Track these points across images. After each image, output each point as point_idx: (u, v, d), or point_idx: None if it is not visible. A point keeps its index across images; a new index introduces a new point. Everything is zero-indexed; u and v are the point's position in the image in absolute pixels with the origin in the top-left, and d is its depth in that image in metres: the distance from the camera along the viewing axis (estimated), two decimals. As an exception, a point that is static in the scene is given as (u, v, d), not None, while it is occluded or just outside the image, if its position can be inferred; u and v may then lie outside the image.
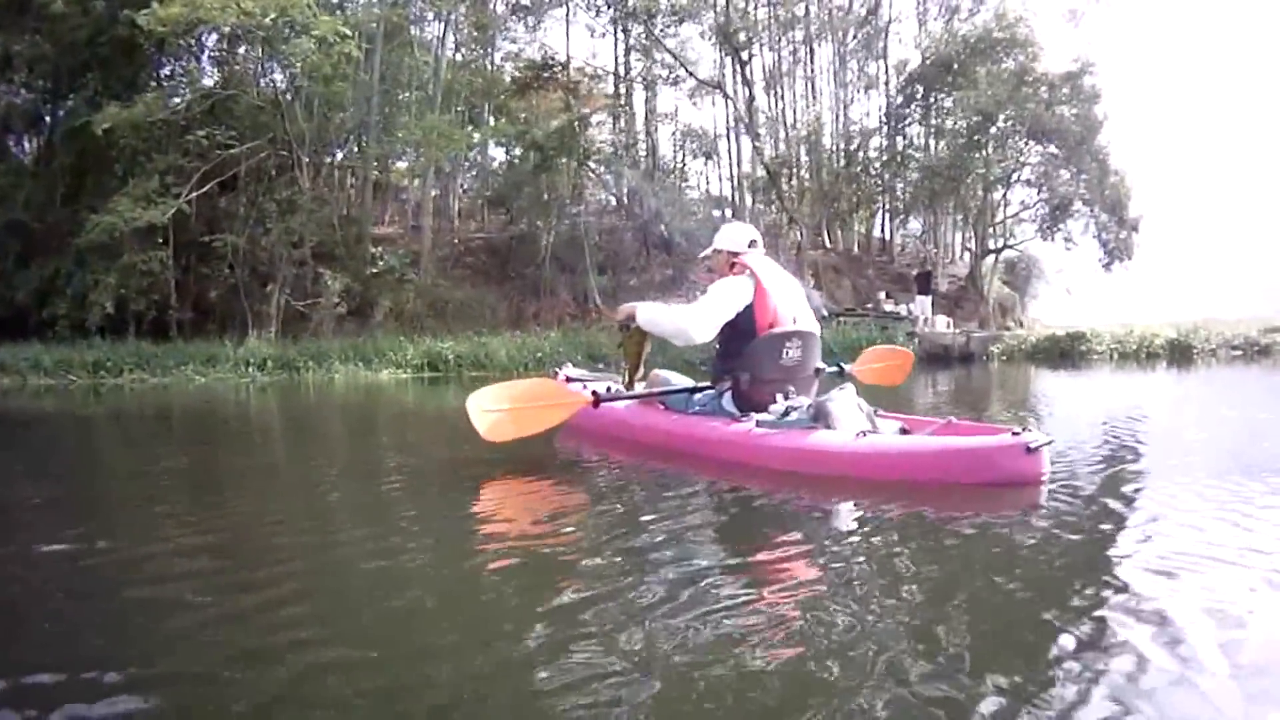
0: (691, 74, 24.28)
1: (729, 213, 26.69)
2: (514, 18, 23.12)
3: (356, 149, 18.75)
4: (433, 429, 6.11)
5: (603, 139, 23.72)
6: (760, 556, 2.13)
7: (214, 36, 16.92)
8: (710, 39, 24.88)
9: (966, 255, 27.05)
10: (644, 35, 23.79)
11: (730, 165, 27.03)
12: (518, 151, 21.69)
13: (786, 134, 26.50)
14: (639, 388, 4.18)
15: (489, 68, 22.59)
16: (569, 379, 4.96)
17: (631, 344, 4.08)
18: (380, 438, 5.73)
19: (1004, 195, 24.81)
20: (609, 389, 4.04)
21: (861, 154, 25.68)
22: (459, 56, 21.61)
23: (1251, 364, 13.64)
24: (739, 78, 23.58)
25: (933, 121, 24.27)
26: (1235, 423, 5.30)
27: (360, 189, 18.82)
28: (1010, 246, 25.61)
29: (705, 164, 27.68)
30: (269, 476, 3.96)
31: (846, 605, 1.66)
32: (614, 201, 23.71)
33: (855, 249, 27.15)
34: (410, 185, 21.90)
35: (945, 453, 2.90)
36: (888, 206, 26.40)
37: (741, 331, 3.64)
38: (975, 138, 21.82)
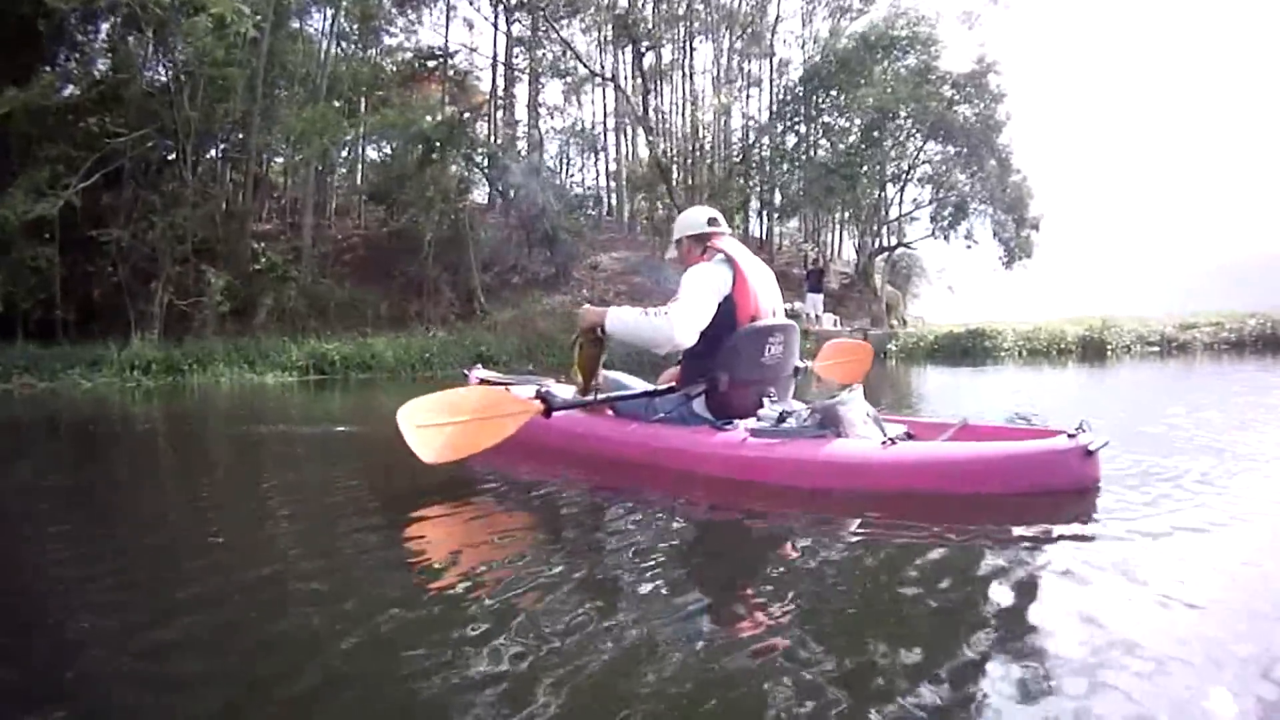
0: (587, 66, 24.84)
1: (612, 205, 27.75)
2: (397, 9, 23.47)
3: (240, 138, 19.03)
4: (336, 443, 5.64)
5: (486, 133, 24.14)
6: (798, 592, 1.91)
7: (106, 25, 17.18)
8: (595, 34, 25.75)
9: (851, 253, 27.98)
10: (532, 26, 24.32)
11: (608, 161, 28.26)
12: (390, 148, 22.01)
13: (677, 129, 27.49)
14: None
15: (372, 60, 23.03)
16: (483, 381, 4.65)
17: (588, 352, 3.66)
18: (280, 451, 5.33)
19: (899, 193, 25.39)
20: (540, 392, 3.58)
21: (757, 150, 26.41)
22: (340, 50, 22.00)
23: (1168, 360, 13.96)
24: (633, 71, 24.35)
25: (824, 119, 25.08)
26: (1177, 417, 4.94)
27: (242, 183, 19.14)
28: (904, 245, 26.46)
29: (588, 160, 28.59)
30: (163, 496, 3.75)
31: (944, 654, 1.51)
32: (497, 197, 24.33)
33: None
34: (288, 181, 22.10)
35: (997, 460, 2.72)
36: (776, 203, 27.18)
37: (719, 325, 3.32)
38: (873, 134, 22.79)
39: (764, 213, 28.14)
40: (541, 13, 23.34)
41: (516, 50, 25.06)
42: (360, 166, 23.98)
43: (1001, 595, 1.81)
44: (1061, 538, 2.24)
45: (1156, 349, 16.21)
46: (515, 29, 24.70)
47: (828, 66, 23.80)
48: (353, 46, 22.49)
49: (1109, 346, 16.37)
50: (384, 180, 21.71)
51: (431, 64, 24.15)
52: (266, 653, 1.63)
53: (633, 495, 3.10)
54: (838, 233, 29.40)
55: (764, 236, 28.39)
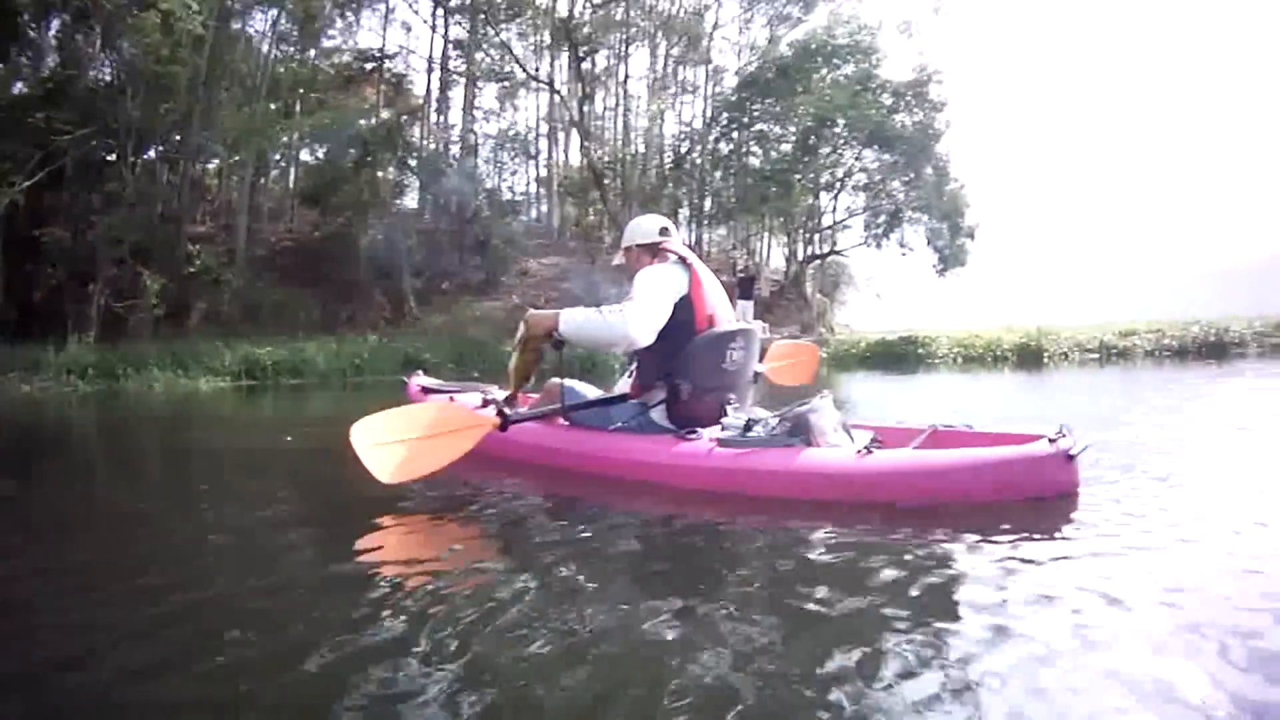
0: (525, 70, 24.91)
1: (542, 211, 28.19)
2: (337, 11, 23.61)
3: (178, 139, 19.25)
4: (277, 454, 5.42)
5: (420, 137, 24.47)
6: (780, 604, 1.91)
7: (58, 21, 17.57)
8: (532, 37, 26.06)
9: (781, 260, 28.37)
10: (470, 28, 24.37)
11: (538, 167, 28.48)
12: (323, 151, 22.18)
13: (612, 135, 27.87)
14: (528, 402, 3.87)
15: (310, 61, 23.18)
16: (425, 389, 4.68)
17: (528, 354, 3.64)
18: (220, 463, 5.17)
19: (833, 201, 25.65)
20: (485, 402, 3.64)
21: (693, 157, 26.84)
22: (279, 51, 22.18)
23: (1107, 366, 14.19)
24: (569, 76, 24.57)
25: (760, 127, 25.25)
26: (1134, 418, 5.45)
27: (179, 184, 19.38)
28: (836, 253, 26.84)
29: (519, 166, 28.71)
30: (93, 510, 3.59)
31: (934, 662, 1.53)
32: (429, 201, 24.49)
33: None
34: (221, 183, 22.26)
35: (978, 466, 2.71)
36: (708, 210, 27.59)
37: (677, 330, 3.25)
38: (810, 142, 23.09)
39: (693, 220, 28.61)
40: (483, 15, 23.47)
41: (454, 53, 25.31)
42: (293, 170, 24.04)
43: (988, 601, 1.84)
44: (1046, 541, 2.31)
45: (1095, 356, 16.34)
46: (453, 31, 24.93)
47: (766, 73, 24.09)
48: (292, 48, 22.66)
49: (1045, 353, 16.50)
50: (318, 183, 21.83)
51: (369, 66, 24.37)
52: (204, 684, 1.56)
53: (594, 508, 3.08)
54: (767, 240, 29.84)
55: (693, 243, 28.44)
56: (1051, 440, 2.74)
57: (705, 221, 28.23)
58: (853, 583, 2.01)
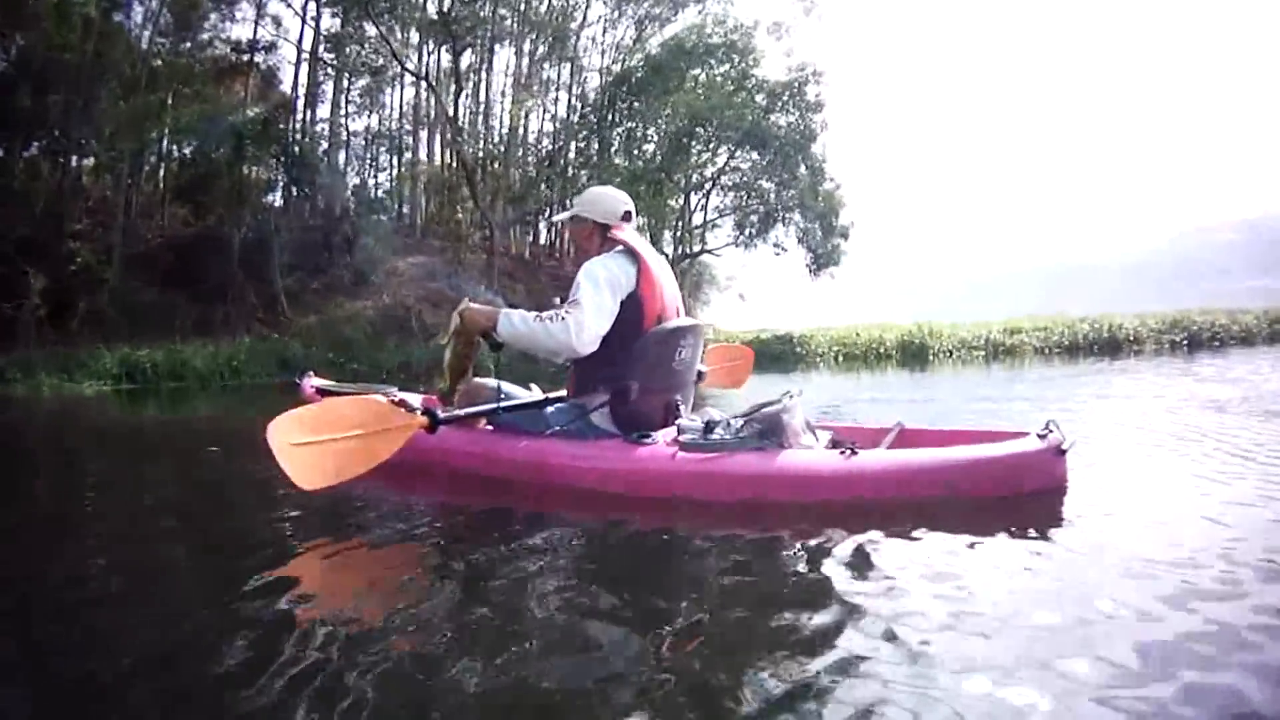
0: (401, 63, 24.84)
1: (403, 211, 28.37)
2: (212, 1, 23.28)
3: (58, 133, 19.33)
4: (179, 462, 5.48)
5: (288, 130, 24.18)
6: (767, 618, 1.82)
7: None
8: (401, 32, 25.47)
9: None
10: (343, 20, 24.01)
11: (400, 165, 28.60)
12: (192, 147, 22.27)
13: (482, 132, 28.06)
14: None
15: (186, 53, 23.00)
16: (321, 391, 4.44)
17: (461, 353, 3.48)
18: (127, 470, 5.16)
19: (704, 200, 26.05)
20: (394, 403, 3.22)
21: (566, 154, 27.25)
22: (156, 44, 22.14)
23: (993, 364, 14.50)
24: (449, 70, 24.65)
25: (630, 125, 25.75)
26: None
27: (60, 179, 19.41)
28: (708, 252, 27.25)
29: (385, 162, 28.80)
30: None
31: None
32: (296, 198, 24.53)
33: (526, 254, 29.20)
34: (96, 179, 22.16)
35: (970, 463, 2.72)
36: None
37: (623, 326, 3.12)
38: (682, 140, 23.51)
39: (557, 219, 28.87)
40: (362, 8, 22.79)
41: (324, 45, 25.13)
42: (164, 166, 23.88)
43: (984, 598, 1.83)
44: (1041, 536, 2.34)
45: (982, 353, 16.74)
46: (325, 22, 24.74)
47: (637, 71, 24.64)
48: (168, 40, 22.58)
49: (930, 351, 16.89)
50: (190, 179, 22.08)
51: (244, 58, 24.22)
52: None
53: (540, 519, 2.85)
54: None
55: (553, 241, 29.90)
56: (1040, 436, 2.79)
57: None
58: (847, 587, 1.97)
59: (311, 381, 4.76)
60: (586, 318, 3.03)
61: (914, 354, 17.05)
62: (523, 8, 26.65)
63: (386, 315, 21.49)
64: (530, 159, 28.30)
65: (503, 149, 27.59)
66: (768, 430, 2.96)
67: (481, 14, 24.78)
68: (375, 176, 28.59)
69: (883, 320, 20.11)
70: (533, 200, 26.99)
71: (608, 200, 3.43)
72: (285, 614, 1.97)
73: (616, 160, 25.37)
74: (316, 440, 2.76)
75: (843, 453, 2.83)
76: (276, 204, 24.26)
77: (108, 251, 19.16)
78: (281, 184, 24.28)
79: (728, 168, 25.00)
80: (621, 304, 3.14)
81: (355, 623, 1.91)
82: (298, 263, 21.51)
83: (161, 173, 23.97)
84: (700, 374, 3.70)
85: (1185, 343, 17.69)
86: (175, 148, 23.31)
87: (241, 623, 1.90)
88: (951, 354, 16.97)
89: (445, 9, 22.87)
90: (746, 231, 25.02)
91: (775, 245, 24.78)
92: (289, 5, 24.33)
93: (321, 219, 23.13)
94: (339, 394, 4.15)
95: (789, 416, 3.00)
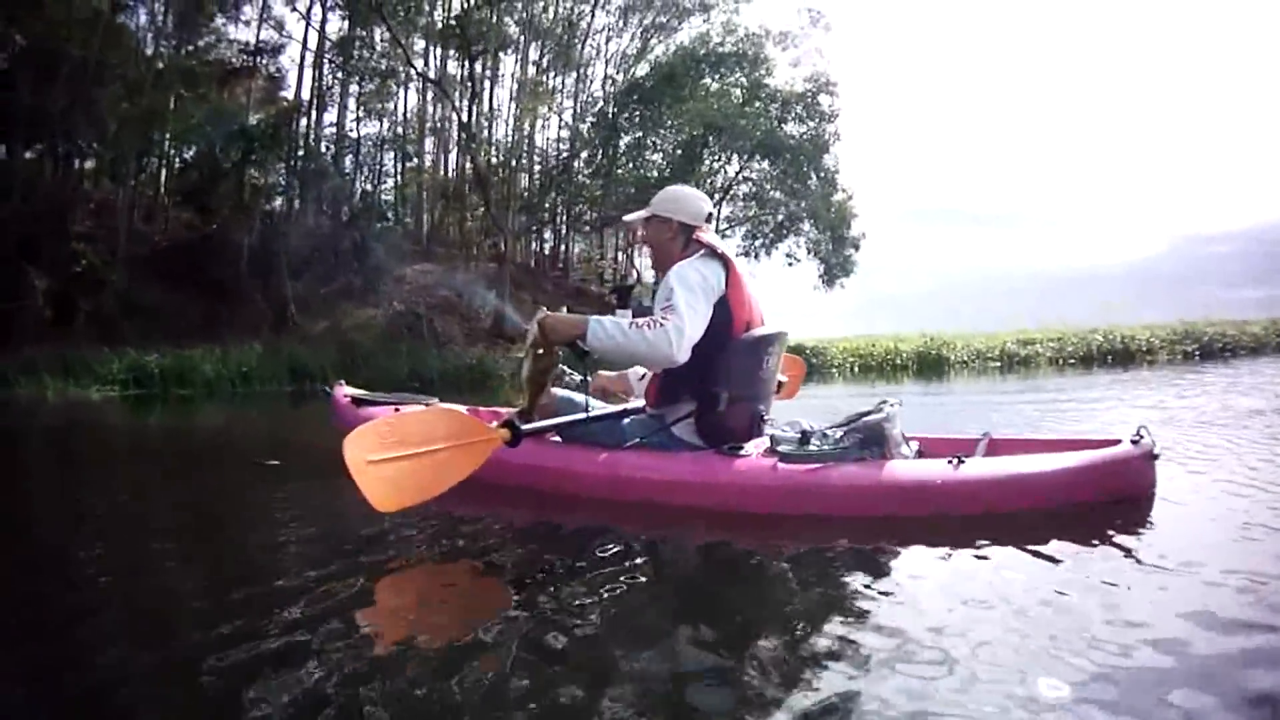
0: (415, 68, 24.73)
1: (407, 219, 28.21)
2: (217, 4, 23.08)
3: (64, 131, 19.19)
4: (215, 471, 5.22)
5: (296, 134, 24.00)
6: (895, 631, 1.72)
7: None
8: (406, 37, 26.02)
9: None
10: (350, 24, 23.95)
11: (403, 173, 28.27)
12: (197, 149, 22.11)
13: (497, 140, 27.79)
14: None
15: (192, 55, 22.94)
16: (355, 401, 4.22)
17: (541, 365, 3.21)
18: (157, 479, 4.93)
19: (716, 209, 24.90)
20: (505, 417, 3.11)
21: (577, 163, 27.05)
22: (162, 45, 22.09)
23: (1008, 373, 14.49)
24: (463, 75, 24.61)
25: (641, 134, 25.32)
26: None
27: (63, 179, 19.31)
28: None
29: (392, 169, 28.50)
30: (18, 539, 3.18)
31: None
32: (305, 203, 24.41)
33: (532, 263, 29.17)
34: (100, 181, 22.02)
35: (1073, 471, 2.72)
36: (587, 218, 27.98)
37: (712, 333, 2.97)
38: (695, 149, 23.50)
39: (564, 228, 28.95)
40: (375, 10, 22.56)
41: (333, 50, 24.99)
42: (167, 168, 23.78)
43: (1096, 609, 1.80)
44: (1140, 543, 2.37)
45: (998, 364, 16.66)
46: (331, 26, 24.68)
47: (649, 80, 24.65)
48: (174, 41, 22.53)
49: (947, 362, 16.80)
50: (196, 182, 21.94)
51: (251, 61, 24.19)
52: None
53: (628, 536, 2.69)
54: (641, 249, 30.39)
55: (561, 252, 29.76)
56: (1134, 441, 2.81)
57: (587, 229, 28.88)
58: (971, 612, 1.86)
59: (345, 391, 4.42)
60: (686, 324, 2.86)
61: (930, 365, 17.08)
62: (529, 16, 26.68)
63: (397, 322, 21.30)
64: (538, 167, 28.38)
65: (514, 157, 27.50)
66: (869, 440, 2.89)
67: (494, 19, 24.67)
68: (382, 182, 28.44)
69: (887, 330, 20.07)
70: (544, 210, 27.02)
71: (693, 200, 3.28)
72: (338, 632, 1.85)
73: (629, 169, 25.42)
74: (396, 456, 2.56)
75: (950, 462, 2.74)
76: (281, 209, 24.25)
77: (112, 253, 19.15)
78: (285, 188, 24.20)
79: (740, 178, 24.98)
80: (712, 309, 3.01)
81: (418, 653, 1.77)
82: (306, 268, 21.39)
83: (163, 176, 23.89)
84: (780, 384, 3.57)
85: (1196, 353, 17.82)
86: (177, 152, 23.29)
87: (327, 643, 1.78)
88: (967, 364, 17.03)
89: (464, 9, 22.81)
90: (759, 241, 25.06)
91: (787, 255, 24.80)
92: (294, 9, 24.38)
93: (329, 224, 23.02)
94: (379, 404, 4.02)
95: (890, 425, 2.93)
